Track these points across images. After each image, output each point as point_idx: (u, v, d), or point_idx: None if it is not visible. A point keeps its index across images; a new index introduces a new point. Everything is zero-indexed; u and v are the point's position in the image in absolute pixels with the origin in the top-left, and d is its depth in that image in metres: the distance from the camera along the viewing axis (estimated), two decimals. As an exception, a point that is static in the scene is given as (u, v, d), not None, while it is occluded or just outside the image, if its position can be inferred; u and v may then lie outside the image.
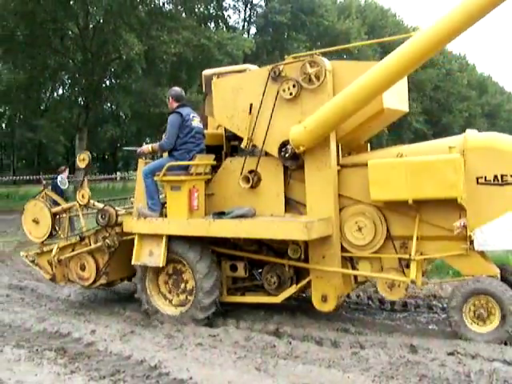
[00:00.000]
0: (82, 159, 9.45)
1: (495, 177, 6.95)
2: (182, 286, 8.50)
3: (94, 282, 9.28)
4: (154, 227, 8.34)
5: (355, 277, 8.08)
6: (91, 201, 9.52)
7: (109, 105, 53.20)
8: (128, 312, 8.98)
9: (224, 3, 47.84)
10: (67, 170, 16.90)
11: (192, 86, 37.82)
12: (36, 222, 9.70)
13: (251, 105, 8.12)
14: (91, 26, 36.02)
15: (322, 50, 8.22)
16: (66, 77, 45.83)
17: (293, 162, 7.89)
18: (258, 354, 6.66)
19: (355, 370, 6.09)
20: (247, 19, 52.60)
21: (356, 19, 56.53)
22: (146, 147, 8.85)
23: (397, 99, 8.15)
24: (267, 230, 7.63)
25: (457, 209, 7.13)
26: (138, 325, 8.17)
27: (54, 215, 9.69)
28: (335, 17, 51.12)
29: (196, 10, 40.79)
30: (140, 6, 33.97)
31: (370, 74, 7.01)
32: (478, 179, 7.05)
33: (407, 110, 8.75)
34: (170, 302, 8.58)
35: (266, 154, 8.20)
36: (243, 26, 51.39)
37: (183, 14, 38.12)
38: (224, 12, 48.98)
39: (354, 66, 7.87)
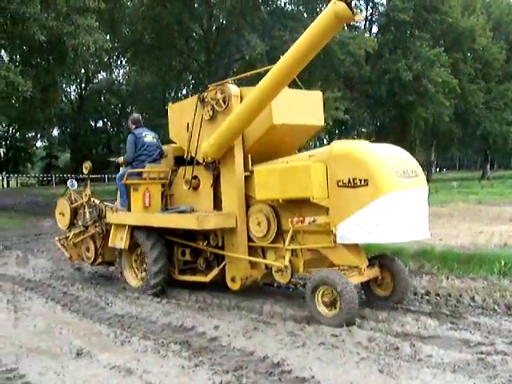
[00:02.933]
0: (86, 167, 11.75)
1: (349, 180, 7.98)
2: (143, 263, 10.66)
3: (94, 260, 11.81)
4: (121, 219, 10.79)
5: (266, 264, 9.45)
6: (92, 199, 11.88)
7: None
8: (251, 308, 9.06)
9: (346, 2, 47.42)
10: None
11: (313, 86, 37.83)
12: (62, 214, 12.44)
13: (188, 124, 10.06)
14: (214, 27, 36.78)
15: (238, 77, 10.18)
16: (190, 77, 46.97)
17: (212, 169, 9.73)
18: (381, 356, 6.59)
19: (481, 377, 5.90)
20: (369, 18, 52.05)
21: (481, 15, 54.71)
22: (120, 158, 11.25)
23: (302, 115, 9.58)
24: (174, 221, 9.85)
25: (324, 208, 8.34)
26: (261, 322, 8.22)
27: (74, 209, 12.20)
28: (459, 13, 49.62)
29: (317, 9, 40.79)
30: (262, 7, 34.35)
31: (248, 97, 8.64)
32: (338, 182, 8.14)
33: (321, 124, 10.26)
34: (138, 276, 10.85)
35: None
36: (365, 25, 50.74)
37: (305, 14, 38.22)
38: (345, 11, 48.56)
39: None
